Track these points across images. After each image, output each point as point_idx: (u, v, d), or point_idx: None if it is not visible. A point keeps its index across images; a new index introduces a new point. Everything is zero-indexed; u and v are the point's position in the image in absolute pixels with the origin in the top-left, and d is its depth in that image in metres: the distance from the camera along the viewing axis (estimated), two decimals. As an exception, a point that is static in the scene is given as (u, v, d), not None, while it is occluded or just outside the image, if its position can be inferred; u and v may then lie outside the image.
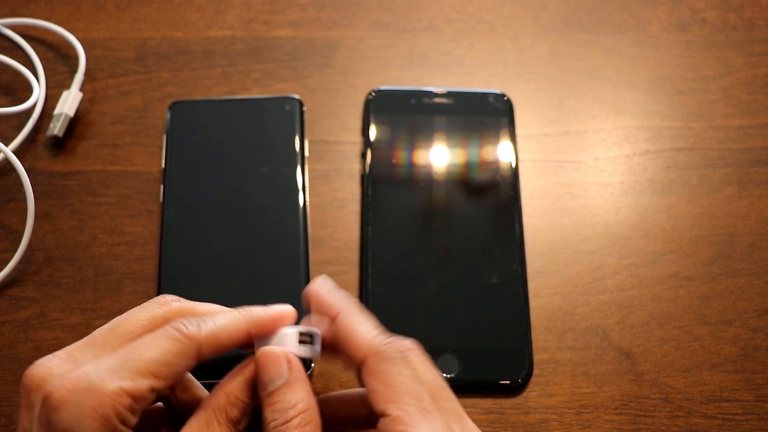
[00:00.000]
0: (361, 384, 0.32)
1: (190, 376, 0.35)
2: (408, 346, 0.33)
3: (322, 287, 0.35)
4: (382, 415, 0.30)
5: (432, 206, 0.46)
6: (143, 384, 0.29)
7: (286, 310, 0.34)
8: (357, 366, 0.32)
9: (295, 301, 0.42)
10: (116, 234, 0.45)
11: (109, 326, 0.32)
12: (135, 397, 0.29)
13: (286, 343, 0.33)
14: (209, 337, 0.31)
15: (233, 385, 0.32)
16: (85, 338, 0.32)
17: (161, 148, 0.48)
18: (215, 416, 0.31)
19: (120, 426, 0.28)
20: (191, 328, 0.31)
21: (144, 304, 0.33)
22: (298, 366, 0.32)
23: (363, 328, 0.33)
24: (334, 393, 0.36)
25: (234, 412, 0.31)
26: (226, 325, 0.32)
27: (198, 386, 0.35)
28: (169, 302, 0.34)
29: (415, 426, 0.30)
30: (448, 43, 0.52)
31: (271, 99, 0.49)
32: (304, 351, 0.33)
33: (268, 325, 0.33)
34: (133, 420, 0.29)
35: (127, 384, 0.29)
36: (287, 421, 0.31)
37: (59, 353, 0.31)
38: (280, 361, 0.32)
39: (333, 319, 0.33)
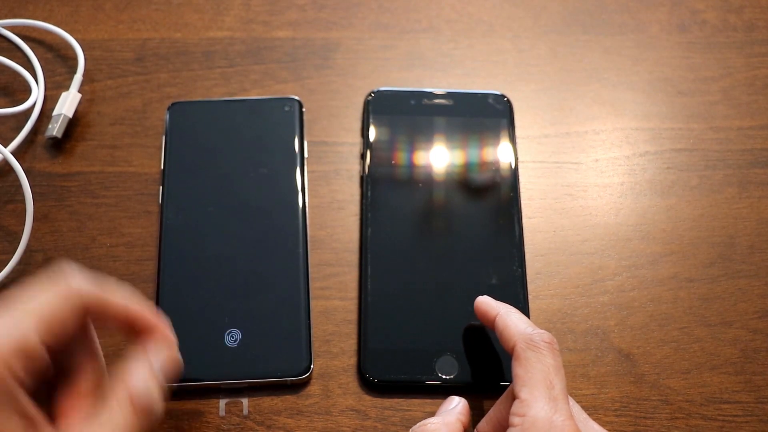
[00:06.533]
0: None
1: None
2: (553, 339, 0.35)
3: (484, 299, 0.40)
4: (516, 397, 0.33)
5: (431, 207, 0.46)
6: (32, 336, 0.28)
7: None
8: (511, 355, 0.35)
9: (294, 301, 0.43)
10: (115, 235, 0.45)
11: None
12: (26, 351, 0.27)
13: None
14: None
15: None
16: None
17: (160, 149, 0.47)
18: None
19: (15, 388, 0.27)
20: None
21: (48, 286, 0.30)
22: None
23: (517, 322, 0.37)
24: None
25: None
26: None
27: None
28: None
29: (535, 408, 0.32)
30: (448, 44, 0.52)
31: (271, 100, 0.49)
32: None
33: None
34: (27, 378, 0.27)
35: (14, 338, 0.27)
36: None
37: None
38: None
39: (493, 319, 0.38)
